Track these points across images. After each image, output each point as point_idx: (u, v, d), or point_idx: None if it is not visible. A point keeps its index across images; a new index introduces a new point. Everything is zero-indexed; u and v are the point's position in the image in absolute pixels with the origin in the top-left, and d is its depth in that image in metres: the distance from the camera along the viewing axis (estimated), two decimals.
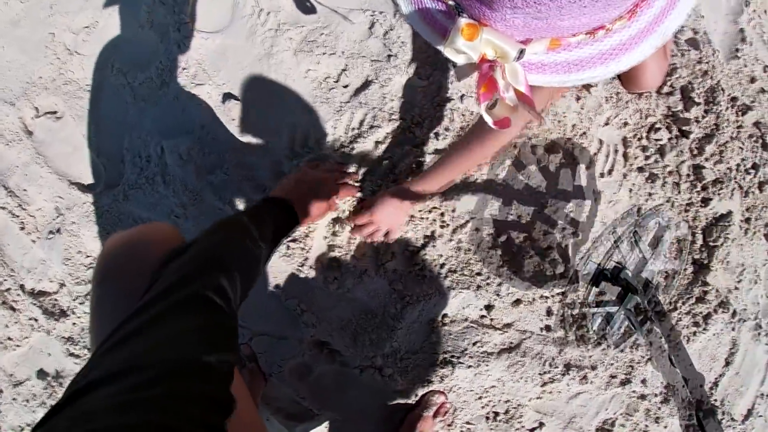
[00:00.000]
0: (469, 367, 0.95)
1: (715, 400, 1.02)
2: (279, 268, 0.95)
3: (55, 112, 1.02)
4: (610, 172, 1.02)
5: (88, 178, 1.00)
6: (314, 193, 0.83)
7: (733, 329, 1.01)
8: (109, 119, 1.01)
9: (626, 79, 0.99)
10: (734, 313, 1.01)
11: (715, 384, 1.02)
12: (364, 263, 0.94)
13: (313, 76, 0.96)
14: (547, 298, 0.99)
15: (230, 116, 0.97)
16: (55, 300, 0.98)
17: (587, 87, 1.01)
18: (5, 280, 0.99)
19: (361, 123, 0.96)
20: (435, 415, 0.94)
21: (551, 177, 1.00)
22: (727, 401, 1.02)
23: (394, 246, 0.95)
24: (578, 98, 1.00)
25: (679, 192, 1.01)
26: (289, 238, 0.94)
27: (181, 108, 0.98)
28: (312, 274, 0.95)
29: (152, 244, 0.49)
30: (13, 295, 0.99)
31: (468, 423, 0.96)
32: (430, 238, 0.96)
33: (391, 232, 0.94)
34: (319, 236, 0.94)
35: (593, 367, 0.99)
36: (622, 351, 1.00)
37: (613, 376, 1.00)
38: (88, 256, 0.99)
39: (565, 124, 0.99)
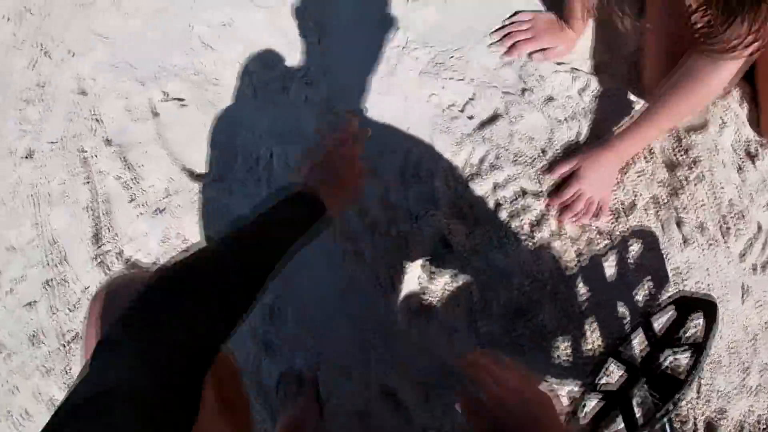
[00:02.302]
0: None
1: None
2: (364, 293, 0.89)
3: (182, 99, 1.05)
4: (765, 266, 0.84)
5: (199, 167, 1.03)
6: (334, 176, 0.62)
7: None
8: (229, 115, 1.02)
9: None
10: None
11: None
12: (456, 317, 0.86)
13: (435, 102, 0.90)
14: None
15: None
16: None
17: (751, 156, 0.85)
18: (108, 242, 1.02)
19: (482, 161, 0.87)
20: None
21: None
22: None
23: (494, 306, 0.85)
24: (739, 169, 0.84)
25: None
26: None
27: (295, 115, 0.97)
28: (396, 311, 0.88)
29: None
30: (111, 257, 1.02)
31: None
32: (538, 304, 0.85)
33: (604, 204, 0.79)
34: (413, 275, 0.87)
35: None
36: None
37: None
38: (185, 240, 1.00)
39: (721, 199, 0.84)
